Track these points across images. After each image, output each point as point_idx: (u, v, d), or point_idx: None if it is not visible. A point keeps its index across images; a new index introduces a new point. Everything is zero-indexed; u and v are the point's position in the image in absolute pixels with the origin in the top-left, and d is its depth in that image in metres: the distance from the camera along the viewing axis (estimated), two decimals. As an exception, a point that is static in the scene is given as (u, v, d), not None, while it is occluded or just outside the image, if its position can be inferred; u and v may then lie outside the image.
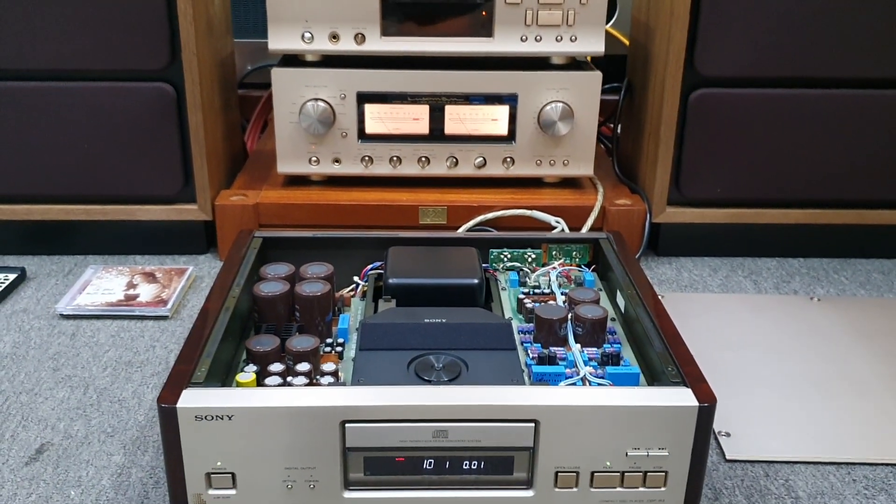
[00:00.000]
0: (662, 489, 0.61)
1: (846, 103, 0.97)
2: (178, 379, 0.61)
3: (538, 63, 1.00)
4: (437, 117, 0.99)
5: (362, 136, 1.00)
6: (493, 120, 1.00)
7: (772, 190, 1.01)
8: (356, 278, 0.83)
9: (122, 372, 0.80)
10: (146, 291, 0.93)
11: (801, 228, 1.04)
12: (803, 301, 0.95)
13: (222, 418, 0.58)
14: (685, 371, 0.62)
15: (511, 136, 1.00)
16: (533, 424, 0.59)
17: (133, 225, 1.02)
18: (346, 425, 0.59)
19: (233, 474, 0.60)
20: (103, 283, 0.94)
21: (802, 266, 1.04)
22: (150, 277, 0.96)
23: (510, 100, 0.99)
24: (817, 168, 1.00)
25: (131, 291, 0.93)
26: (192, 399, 0.58)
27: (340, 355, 0.71)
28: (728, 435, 0.71)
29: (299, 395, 0.59)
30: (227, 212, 1.00)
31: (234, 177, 1.09)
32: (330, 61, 0.99)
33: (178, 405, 0.58)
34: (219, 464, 0.59)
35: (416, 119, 0.99)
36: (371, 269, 0.83)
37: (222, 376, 0.66)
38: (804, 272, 1.02)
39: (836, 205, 1.03)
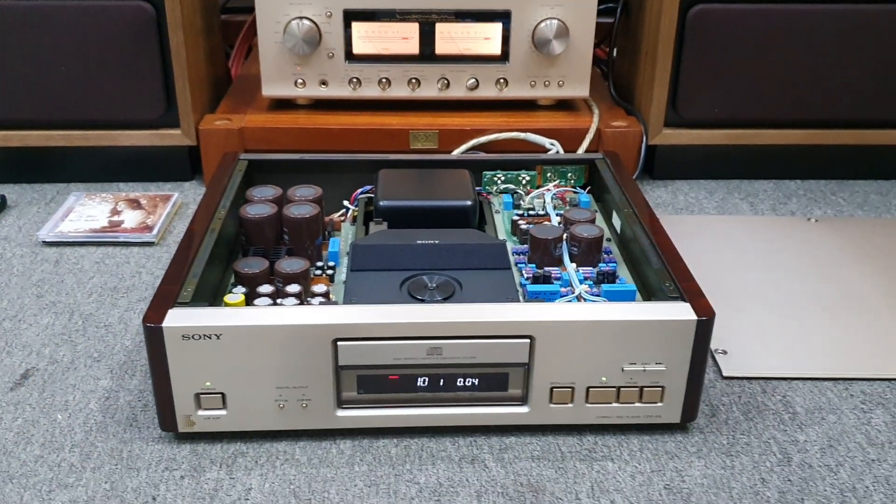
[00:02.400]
0: (659, 404, 0.60)
1: (848, 19, 0.95)
2: (164, 299, 0.59)
3: (531, -22, 0.96)
4: (427, 36, 0.96)
5: (350, 56, 0.96)
6: (486, 39, 0.96)
7: (770, 110, 0.99)
8: (346, 203, 0.81)
9: (107, 298, 0.78)
10: (131, 218, 0.90)
11: (799, 149, 1.02)
12: (801, 222, 0.93)
13: (210, 337, 0.57)
14: (683, 286, 0.61)
15: (504, 56, 0.97)
16: (528, 340, 0.58)
17: (116, 151, 0.99)
18: (339, 343, 0.58)
19: (223, 394, 0.59)
20: (86, 210, 0.92)
21: (800, 188, 1.03)
22: (135, 204, 0.93)
23: (503, 17, 0.95)
24: (817, 87, 0.98)
25: (115, 218, 0.90)
26: (178, 318, 0.57)
27: (331, 278, 0.70)
28: (725, 353, 0.70)
29: (290, 314, 0.58)
30: (212, 136, 0.97)
31: (219, 103, 1.06)
32: (315, -23, 0.95)
33: (164, 325, 0.56)
34: (208, 384, 0.58)
35: (405, 38, 0.96)
36: (361, 193, 0.81)
37: (209, 300, 0.65)
38: (801, 194, 1.01)
39: (836, 125, 1.01)
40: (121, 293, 0.79)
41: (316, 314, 0.58)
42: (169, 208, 0.92)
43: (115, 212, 0.92)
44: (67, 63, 0.94)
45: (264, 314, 0.58)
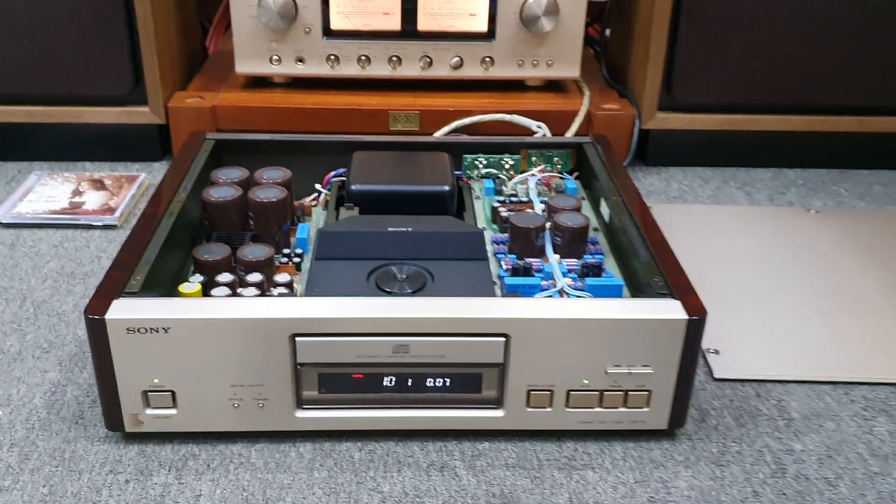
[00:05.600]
0: (645, 409, 0.56)
1: (851, 0, 0.90)
2: (110, 287, 0.55)
3: (520, -49, 0.91)
4: (409, 12, 0.91)
5: (327, 32, 0.92)
6: (471, 15, 0.91)
7: (768, 94, 0.95)
8: (318, 186, 0.76)
9: (63, 284, 0.74)
10: (93, 199, 0.86)
11: (798, 136, 0.98)
12: (799, 213, 0.89)
13: (157, 331, 0.52)
14: (673, 282, 0.57)
15: (490, 34, 0.92)
16: (503, 339, 0.53)
17: (81, 128, 0.94)
18: (297, 339, 0.53)
19: (172, 392, 0.55)
20: (47, 191, 0.87)
21: (799, 177, 0.98)
22: (99, 185, 0.89)
23: (489, -8, 0.90)
24: (819, 71, 0.94)
25: (77, 199, 0.86)
26: (123, 310, 0.52)
27: (298, 266, 0.66)
28: (717, 352, 0.66)
29: (243, 306, 0.53)
30: (181, 114, 0.92)
31: (192, 79, 1.01)
32: (291, -53, 0.90)
33: (108, 316, 0.52)
34: (156, 381, 0.54)
35: (386, 14, 0.91)
36: (334, 177, 0.77)
37: (166, 288, 0.60)
38: (801, 183, 0.97)
39: (837, 111, 0.96)
40: (78, 279, 0.75)
41: (272, 307, 0.53)
42: (134, 190, 0.88)
43: (76, 192, 0.87)
44: (29, 34, 0.88)
45: (216, 306, 0.53)
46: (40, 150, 0.96)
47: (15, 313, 0.70)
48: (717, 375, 0.64)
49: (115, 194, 0.87)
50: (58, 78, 0.91)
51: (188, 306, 0.53)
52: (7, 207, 0.84)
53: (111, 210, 0.84)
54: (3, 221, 0.82)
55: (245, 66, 0.93)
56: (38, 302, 0.71)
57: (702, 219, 0.87)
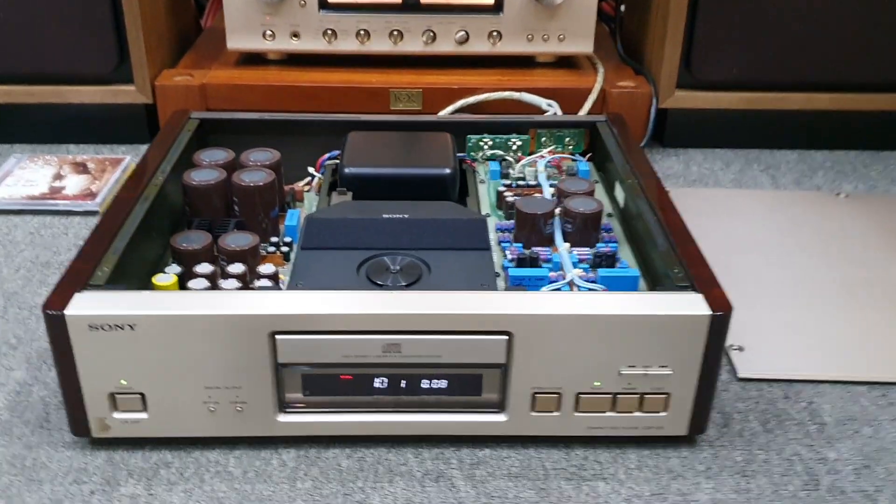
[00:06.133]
0: (663, 414, 0.51)
1: (888, -32, 0.84)
2: (73, 280, 0.50)
3: (529, -82, 0.86)
4: (411, -17, 0.86)
5: (324, 5, 0.86)
6: (477, -14, 0.86)
7: (795, 71, 0.90)
8: (311, 169, 0.71)
9: (36, 274, 0.69)
10: (74, 184, 0.81)
11: (826, 116, 0.93)
12: (827, 198, 0.84)
13: (122, 328, 0.47)
14: (694, 273, 0.52)
15: (498, 7, 0.87)
16: (505, 337, 0.48)
17: (64, 109, 0.89)
18: (277, 337, 0.48)
19: (142, 395, 0.50)
20: (26, 174, 0.82)
21: (827, 159, 0.93)
22: (81, 168, 0.84)
23: (496, -39, 0.85)
24: (848, 46, 0.88)
25: (57, 183, 0.81)
26: (84, 305, 0.48)
27: (286, 256, 0.61)
28: (741, 349, 0.61)
29: (217, 301, 0.48)
30: (169, 93, 0.87)
31: (183, 57, 0.96)
32: (285, -86, 0.84)
33: (67, 312, 0.47)
34: (123, 382, 0.49)
35: (386, -15, 0.86)
36: (328, 159, 0.72)
37: (141, 280, 0.55)
38: (829, 166, 0.91)
39: (868, 88, 0.91)
40: (53, 269, 0.70)
41: (249, 302, 0.48)
42: (118, 173, 0.83)
43: (57, 176, 0.82)
44: (7, 10, 0.84)
45: (186, 301, 0.48)
46: (21, 131, 0.91)
47: (-16, 306, 0.65)
48: (741, 375, 0.59)
49: (97, 178, 0.82)
50: (38, 55, 0.86)
51: (156, 301, 0.48)
52: (-17, 192, 0.79)
53: (92, 195, 0.79)
54: (-21, 207, 0.78)
55: (237, 41, 0.88)
56: (8, 294, 0.67)
57: (723, 204, 0.82)
